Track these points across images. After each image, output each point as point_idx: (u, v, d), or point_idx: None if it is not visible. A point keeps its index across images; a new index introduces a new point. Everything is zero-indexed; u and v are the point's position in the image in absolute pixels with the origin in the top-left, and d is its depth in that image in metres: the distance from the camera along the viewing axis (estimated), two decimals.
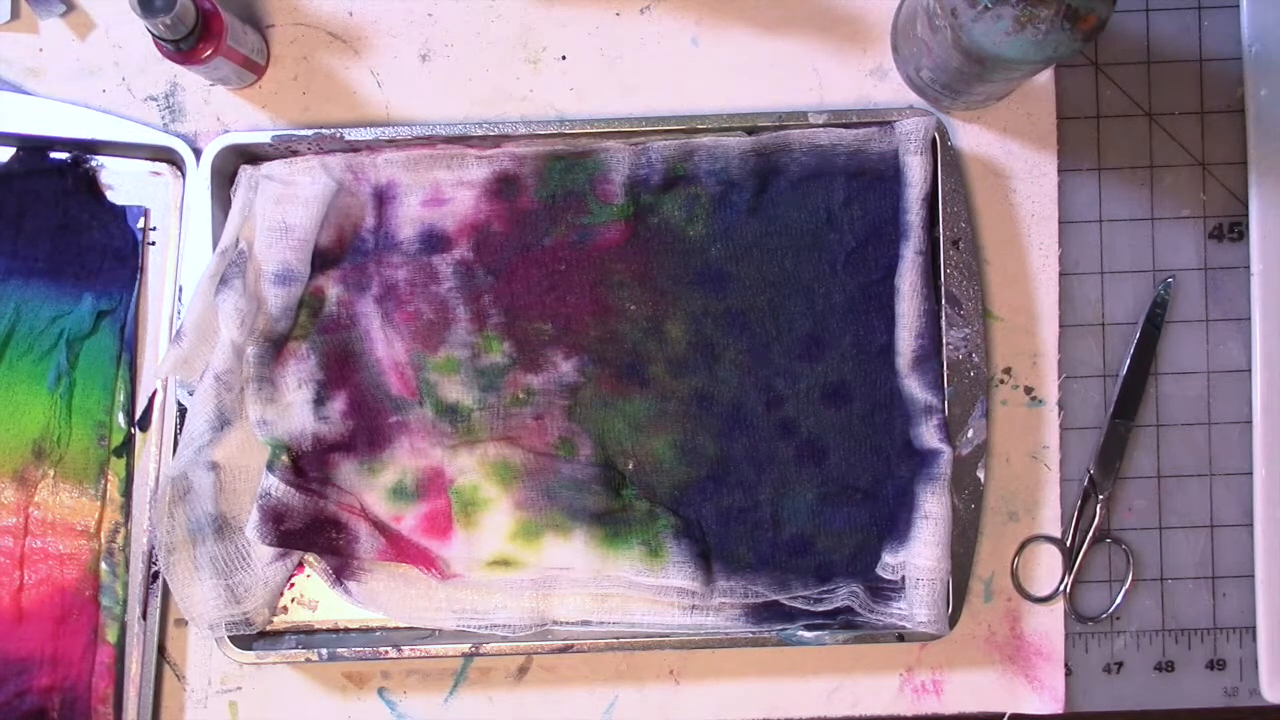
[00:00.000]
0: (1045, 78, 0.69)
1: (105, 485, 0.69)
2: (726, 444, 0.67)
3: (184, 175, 0.68)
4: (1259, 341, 0.69)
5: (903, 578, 0.65)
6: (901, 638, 0.66)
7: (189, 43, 0.63)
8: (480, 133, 0.67)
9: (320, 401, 0.67)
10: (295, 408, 0.66)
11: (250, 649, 0.66)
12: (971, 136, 0.70)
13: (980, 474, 0.67)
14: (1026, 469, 0.69)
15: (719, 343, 0.68)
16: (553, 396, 0.67)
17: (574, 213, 0.68)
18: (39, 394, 0.69)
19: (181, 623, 0.69)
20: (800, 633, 0.66)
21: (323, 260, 0.67)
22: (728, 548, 0.67)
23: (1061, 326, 0.70)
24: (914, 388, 0.66)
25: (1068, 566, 0.69)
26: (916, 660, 0.69)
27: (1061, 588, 0.69)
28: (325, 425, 0.67)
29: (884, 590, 0.66)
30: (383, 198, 0.68)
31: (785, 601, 0.66)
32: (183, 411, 0.67)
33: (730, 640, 0.66)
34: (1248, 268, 0.70)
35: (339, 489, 0.67)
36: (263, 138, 0.67)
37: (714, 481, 0.67)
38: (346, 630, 0.69)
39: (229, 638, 0.66)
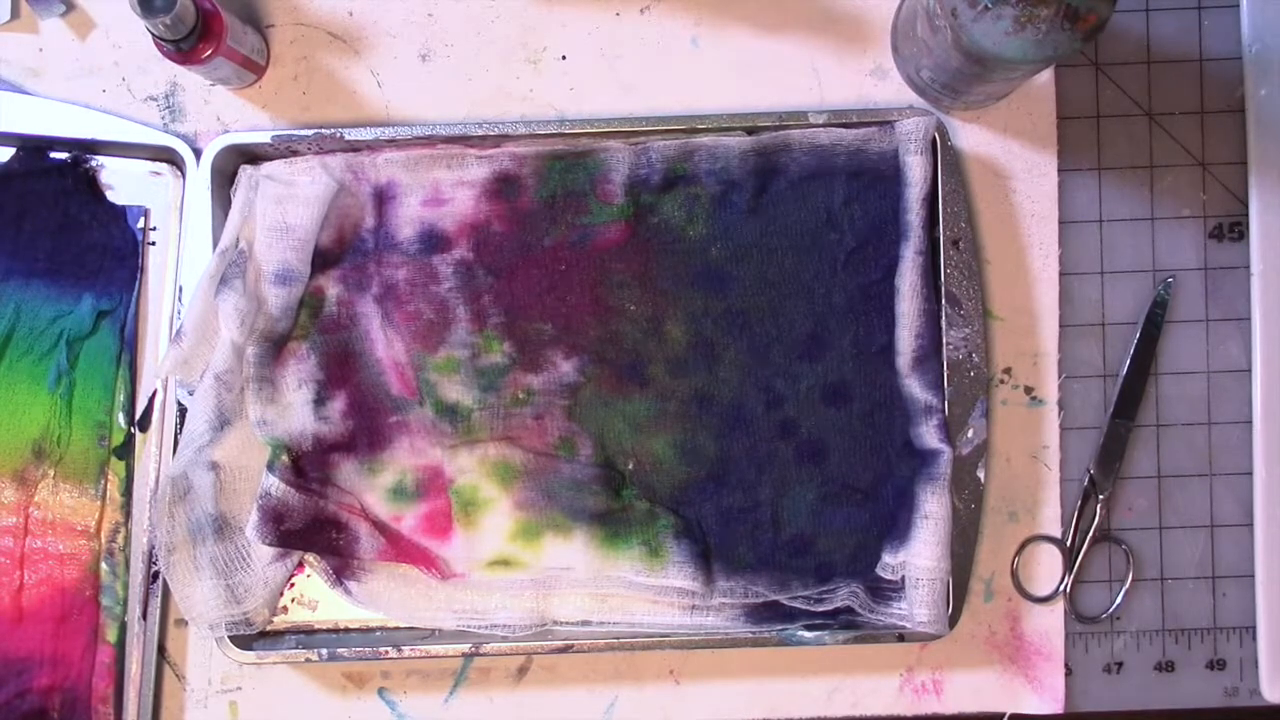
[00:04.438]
0: (1045, 78, 0.69)
1: (105, 485, 0.69)
2: (726, 444, 0.67)
3: (184, 175, 0.68)
4: (1259, 341, 0.69)
5: (903, 578, 0.65)
6: (901, 638, 0.66)
7: (189, 43, 0.63)
8: (480, 133, 0.67)
9: (320, 401, 0.67)
10: (295, 408, 0.66)
11: (250, 649, 0.66)
12: (971, 136, 0.70)
13: (980, 474, 0.67)
14: (1026, 469, 0.69)
15: (719, 343, 0.68)
16: (553, 396, 0.67)
17: (574, 213, 0.68)
18: (39, 394, 0.69)
19: (181, 623, 0.69)
20: (800, 633, 0.66)
21: (323, 260, 0.67)
22: (728, 548, 0.67)
23: (1061, 326, 0.70)
24: (914, 388, 0.66)
25: (1068, 566, 0.69)
26: (916, 660, 0.69)
27: (1061, 588, 0.69)
28: (325, 425, 0.67)
29: (884, 590, 0.66)
30: (383, 198, 0.68)
31: (785, 601, 0.66)
32: (183, 411, 0.67)
33: (730, 640, 0.66)
34: (1248, 268, 0.70)
35: (339, 489, 0.67)
36: (263, 138, 0.67)
37: (714, 481, 0.67)
38: (346, 630, 0.69)
39: (229, 638, 0.66)
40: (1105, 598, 0.70)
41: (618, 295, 0.68)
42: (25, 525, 0.69)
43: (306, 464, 0.66)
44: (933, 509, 0.64)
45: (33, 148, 0.70)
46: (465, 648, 0.66)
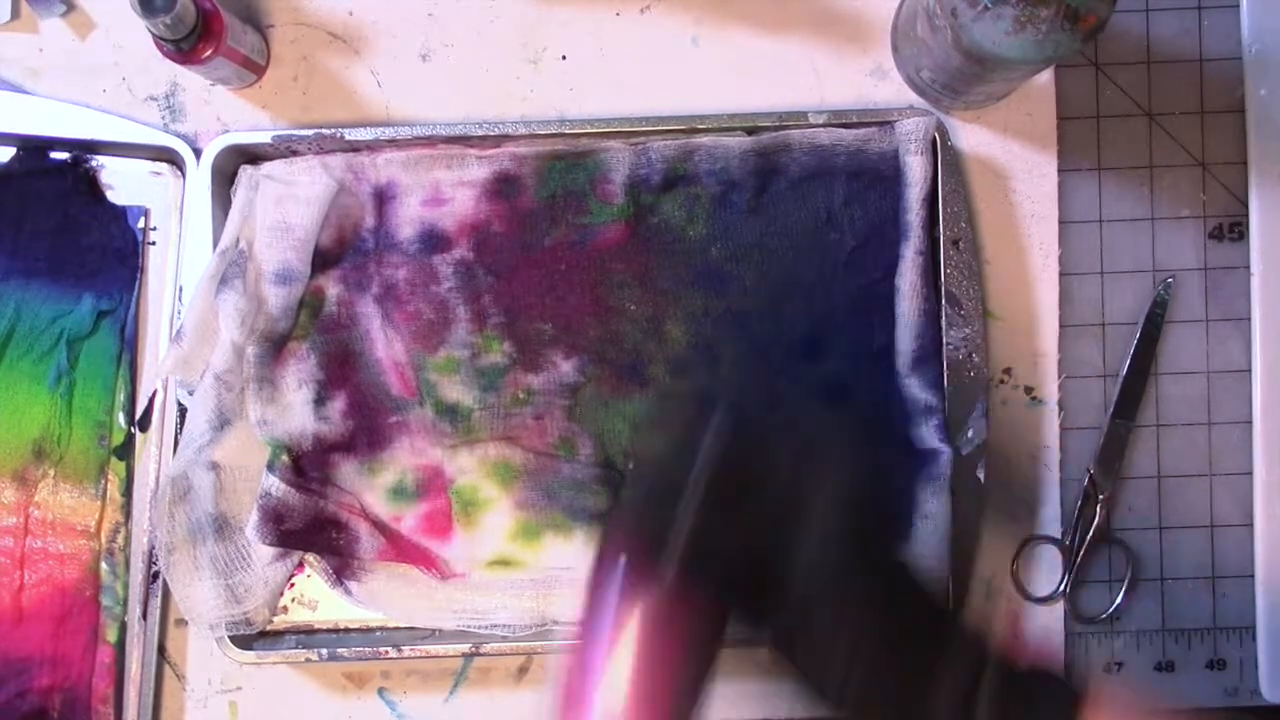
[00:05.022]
0: (1045, 78, 0.69)
1: (105, 485, 0.69)
2: None
3: (184, 175, 0.68)
4: (1259, 341, 0.69)
5: None
6: None
7: (189, 43, 0.63)
8: (480, 133, 0.67)
9: (320, 401, 0.67)
10: (295, 408, 0.66)
11: (250, 649, 0.66)
12: (971, 136, 0.70)
13: (980, 474, 0.67)
14: (1026, 469, 0.69)
15: (719, 343, 0.68)
16: (553, 396, 0.67)
17: (574, 213, 0.68)
18: (39, 394, 0.69)
19: (181, 623, 0.69)
20: None
21: (323, 260, 0.67)
22: None
23: (1061, 326, 0.70)
24: (914, 388, 0.66)
25: (1068, 566, 0.69)
26: None
27: (1061, 588, 0.69)
28: (325, 425, 0.67)
29: None
30: (383, 198, 0.68)
31: None
32: (183, 411, 0.67)
33: (730, 640, 0.66)
34: (1248, 268, 0.70)
35: (339, 489, 0.67)
36: (263, 138, 0.67)
37: None
38: (346, 630, 0.69)
39: (229, 638, 0.66)
40: (1105, 598, 0.69)
41: (618, 295, 0.68)
42: (25, 525, 0.69)
43: (306, 464, 0.66)
44: (933, 509, 0.64)
45: (33, 148, 0.70)
46: (465, 648, 0.66)
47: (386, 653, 0.66)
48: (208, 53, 0.64)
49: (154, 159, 0.70)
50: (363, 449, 0.67)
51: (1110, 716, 0.46)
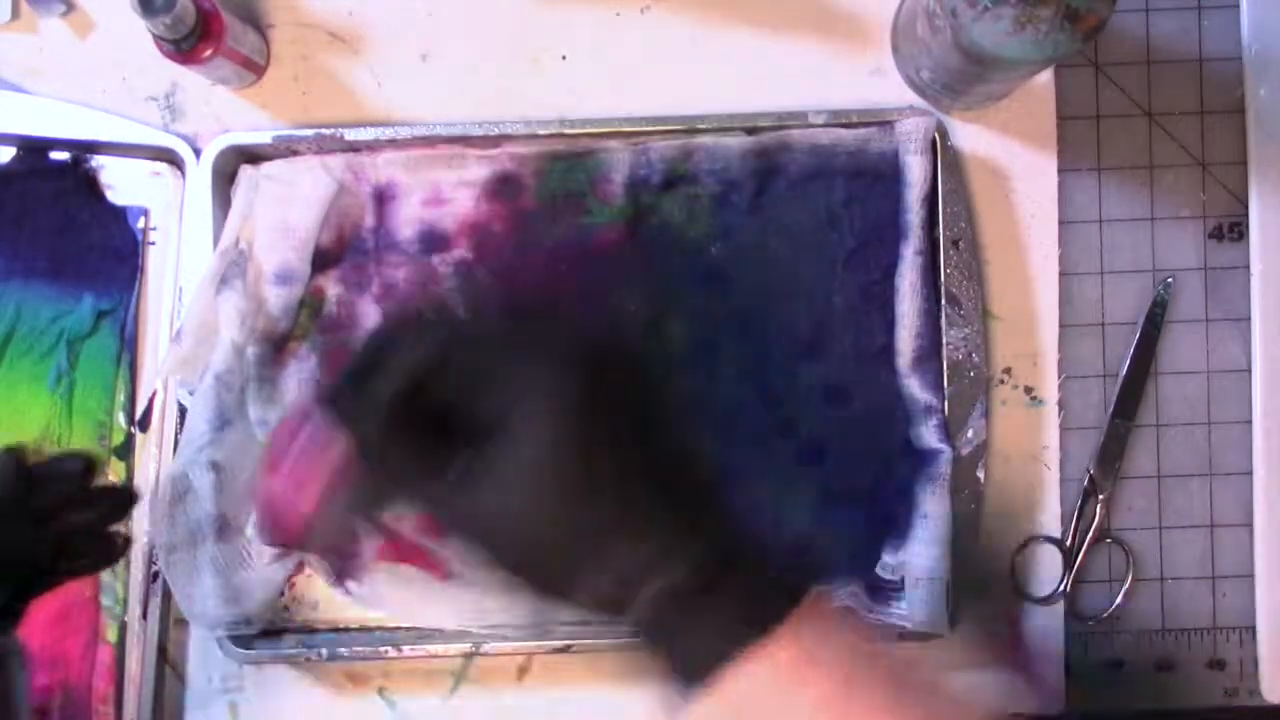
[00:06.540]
0: (1045, 78, 0.69)
1: None
2: (726, 444, 0.67)
3: (184, 175, 0.68)
4: (1259, 341, 0.69)
5: (902, 578, 0.65)
6: (901, 638, 0.66)
7: (189, 43, 0.63)
8: (480, 133, 0.67)
9: None
10: None
11: (250, 649, 0.66)
12: (971, 136, 0.70)
13: (980, 474, 0.67)
14: (1026, 469, 0.69)
15: (719, 343, 0.68)
16: None
17: (574, 213, 0.68)
18: (40, 394, 0.69)
19: (181, 623, 0.69)
20: None
21: (323, 260, 0.68)
22: None
23: (1061, 326, 0.70)
24: (914, 388, 0.66)
25: (1068, 566, 0.69)
26: (916, 660, 0.69)
27: (1061, 588, 0.69)
28: None
29: (884, 590, 0.66)
30: (383, 198, 0.68)
31: None
32: (183, 411, 0.67)
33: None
34: (1248, 268, 0.70)
35: None
36: (263, 138, 0.67)
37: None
38: (346, 630, 0.69)
39: (229, 638, 0.66)
40: (1105, 598, 0.69)
41: (618, 295, 0.68)
42: None
43: None
44: (932, 509, 0.64)
45: (33, 148, 0.70)
46: (465, 648, 0.66)
47: (386, 653, 0.66)
48: (208, 53, 0.64)
49: (154, 159, 0.70)
50: None
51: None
